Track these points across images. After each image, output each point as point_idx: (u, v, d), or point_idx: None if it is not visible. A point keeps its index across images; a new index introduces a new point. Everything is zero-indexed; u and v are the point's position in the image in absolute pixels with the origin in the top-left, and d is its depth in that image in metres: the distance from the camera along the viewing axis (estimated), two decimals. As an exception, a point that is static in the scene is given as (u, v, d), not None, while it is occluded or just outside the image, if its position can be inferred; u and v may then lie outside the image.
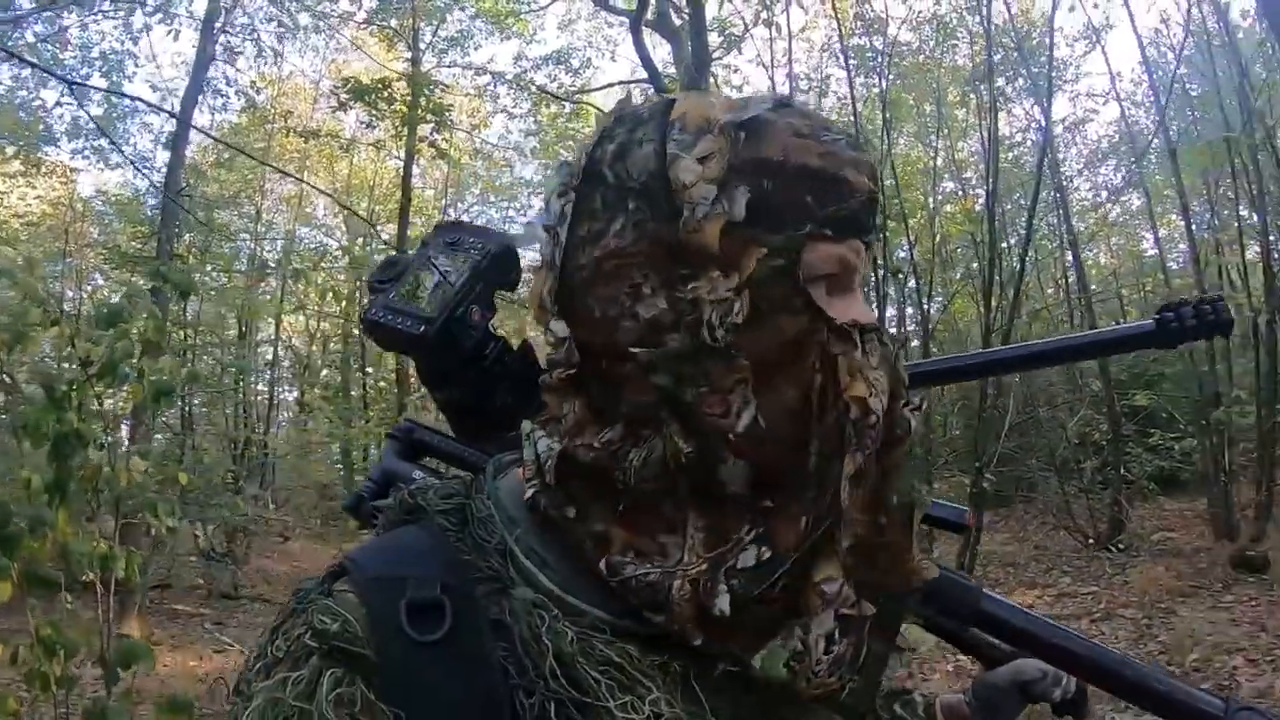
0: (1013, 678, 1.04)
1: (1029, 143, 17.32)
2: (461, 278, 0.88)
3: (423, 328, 0.76)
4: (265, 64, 13.80)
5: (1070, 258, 15.30)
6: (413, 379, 15.98)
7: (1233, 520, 10.09)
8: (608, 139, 0.66)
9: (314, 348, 18.79)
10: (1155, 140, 18.76)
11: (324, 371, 18.23)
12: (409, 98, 9.81)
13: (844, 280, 0.65)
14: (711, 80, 14.05)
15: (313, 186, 11.29)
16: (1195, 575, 8.69)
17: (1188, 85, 15.89)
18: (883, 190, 0.70)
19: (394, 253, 12.92)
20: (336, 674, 0.58)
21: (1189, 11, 14.07)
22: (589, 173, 0.66)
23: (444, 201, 19.10)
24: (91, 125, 11.54)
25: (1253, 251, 13.84)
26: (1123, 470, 11.78)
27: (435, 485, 0.74)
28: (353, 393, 17.02)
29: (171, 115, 9.84)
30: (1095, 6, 15.67)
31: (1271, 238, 13.19)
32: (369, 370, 16.86)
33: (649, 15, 12.50)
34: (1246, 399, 12.13)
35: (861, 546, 0.64)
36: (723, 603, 0.61)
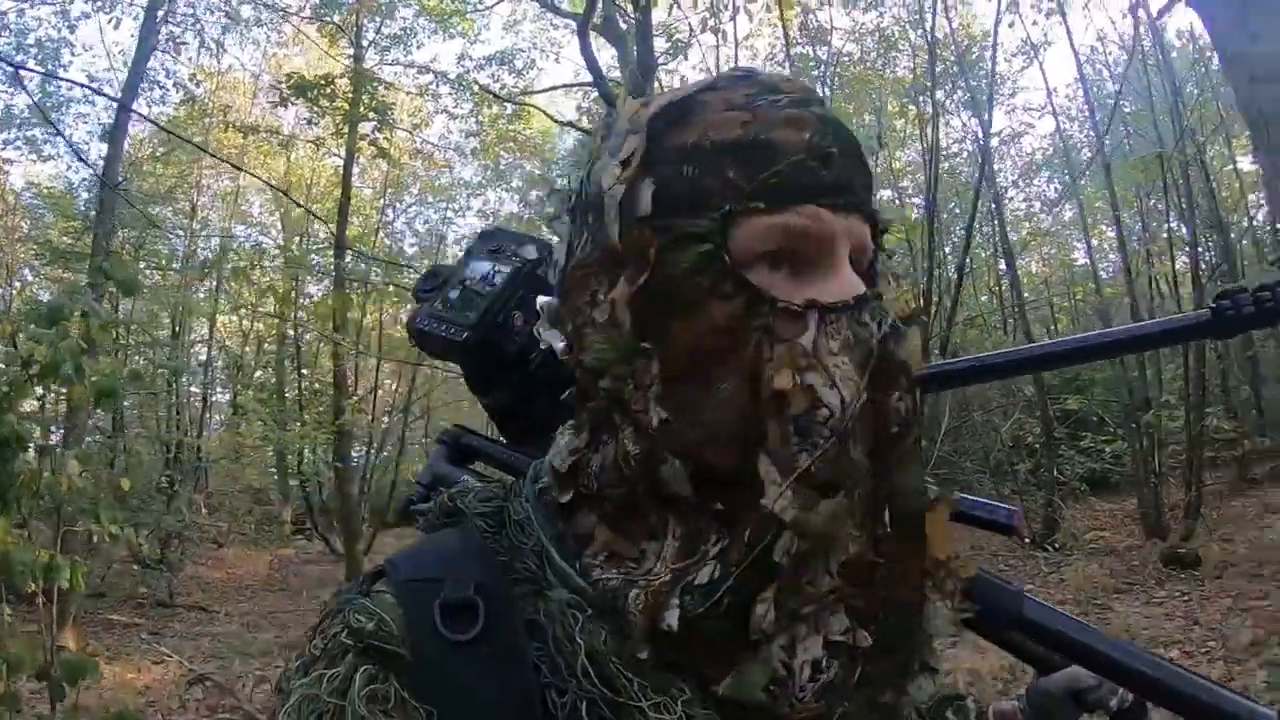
0: (1068, 685, 0.99)
1: (964, 154, 17.67)
2: (502, 284, 0.90)
3: (465, 334, 0.78)
4: (207, 56, 13.51)
5: (1004, 266, 15.61)
6: (350, 381, 15.80)
7: (1163, 519, 10.46)
8: (595, 157, 0.67)
9: (247, 348, 18.38)
10: (1090, 154, 19.32)
11: (257, 373, 17.85)
12: (351, 95, 9.65)
13: (806, 254, 0.61)
14: (657, 85, 14.13)
15: (262, 179, 11.00)
16: (1128, 572, 8.95)
17: (1122, 102, 16.35)
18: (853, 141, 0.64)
19: (339, 251, 12.81)
20: (370, 671, 0.59)
21: (1135, 33, 14.45)
22: (576, 194, 0.68)
23: (382, 201, 18.85)
24: (24, 114, 11.16)
25: (1181, 262, 14.32)
26: (1055, 472, 12.13)
27: (475, 488, 0.75)
28: (287, 395, 16.67)
29: (118, 102, 9.49)
30: (1034, 24, 16.00)
31: (1200, 249, 13.68)
32: (304, 372, 16.54)
33: (596, 19, 12.50)
34: (1175, 403, 12.56)
35: (853, 565, 0.59)
36: (671, 618, 0.59)
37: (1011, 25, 15.50)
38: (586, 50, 11.94)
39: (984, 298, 18.46)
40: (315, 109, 9.36)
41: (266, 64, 15.64)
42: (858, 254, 0.64)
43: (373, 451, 16.87)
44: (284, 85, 9.06)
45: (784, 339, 0.59)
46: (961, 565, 0.64)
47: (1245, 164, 16.76)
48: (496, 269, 0.91)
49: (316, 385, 16.11)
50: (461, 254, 0.89)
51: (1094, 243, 17.75)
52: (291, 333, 15.96)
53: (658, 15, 13.55)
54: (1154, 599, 7.81)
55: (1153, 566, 8.95)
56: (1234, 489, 12.11)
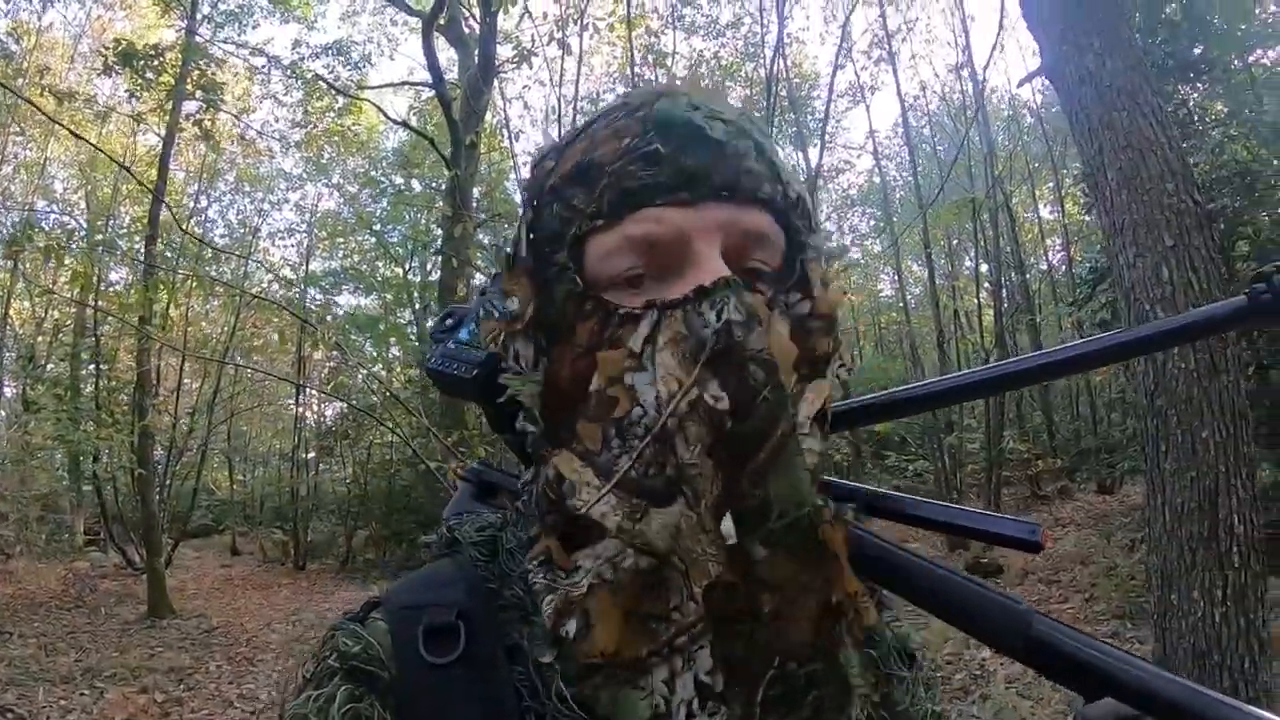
0: (1114, 711, 0.93)
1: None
2: None
3: (475, 371, 0.76)
4: (29, 9, 12.25)
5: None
6: (154, 382, 14.59)
7: (964, 533, 11.23)
8: None
9: (41, 338, 16.65)
10: (902, 193, 20.63)
11: (50, 365, 16.20)
12: (179, 69, 8.92)
13: (664, 258, 0.61)
14: (496, 91, 14.03)
15: (106, 153, 9.93)
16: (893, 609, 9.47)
17: (938, 147, 17.62)
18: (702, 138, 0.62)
19: (152, 236, 11.77)
20: (351, 690, 0.61)
21: (975, 89, 15.58)
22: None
23: (194, 187, 17.66)
24: None
25: (982, 296, 15.57)
26: (861, 489, 12.85)
27: (474, 519, 0.76)
28: (84, 390, 15.19)
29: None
30: (864, 69, 16.98)
31: (1000, 287, 14.95)
32: (103, 367, 15.17)
33: (441, 19, 12.25)
34: (976, 427, 13.63)
35: (718, 591, 0.56)
36: (569, 626, 0.60)
37: (843, 68, 16.42)
38: (429, 49, 11.70)
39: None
40: (140, 81, 8.58)
41: (89, 26, 14.36)
42: (745, 241, 0.62)
43: (173, 456, 15.61)
44: (110, 52, 8.25)
45: (619, 344, 0.59)
46: (864, 606, 0.60)
47: (1045, 212, 18.46)
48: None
49: (114, 382, 14.80)
50: (477, 295, 0.86)
51: (900, 275, 18.97)
52: (91, 324, 14.54)
53: (506, 22, 13.47)
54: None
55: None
56: (1028, 504, 13.25)
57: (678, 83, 0.70)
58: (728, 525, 0.54)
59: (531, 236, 0.66)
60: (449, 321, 0.85)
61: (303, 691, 0.63)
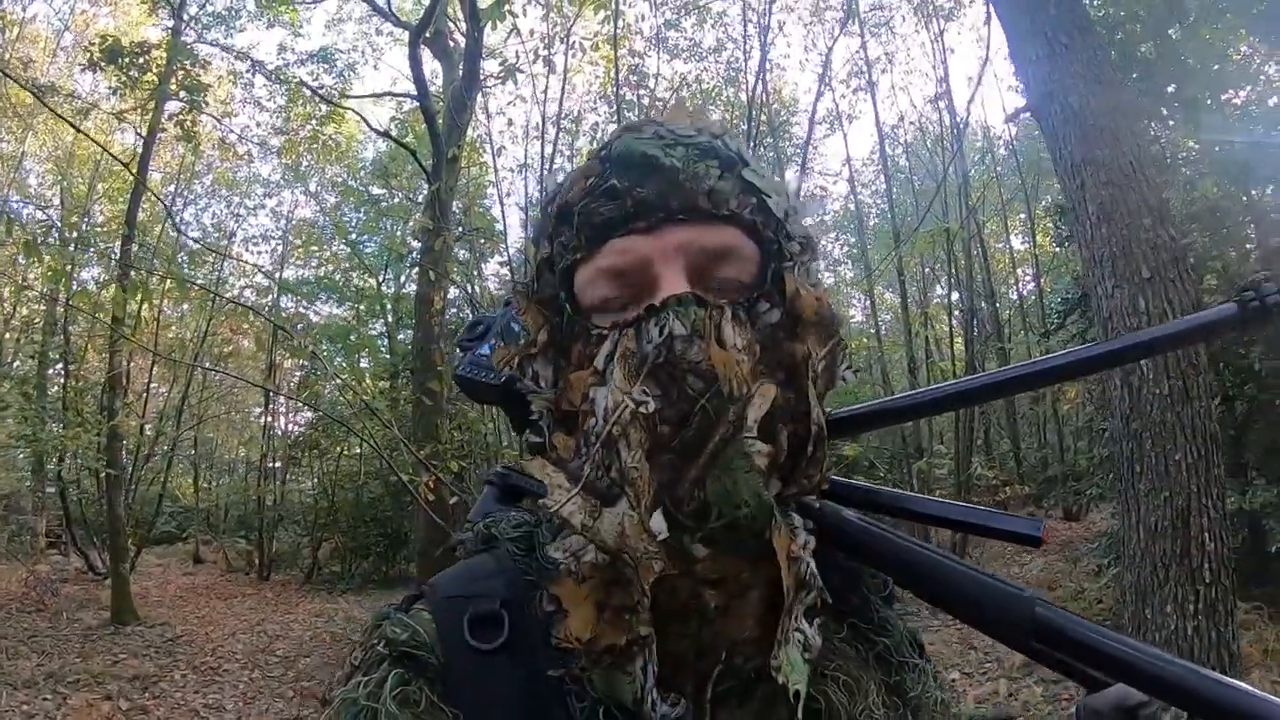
0: (1118, 701, 0.90)
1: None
2: None
3: (502, 378, 0.80)
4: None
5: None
6: (124, 382, 14.34)
7: (934, 556, 11.32)
8: None
9: (9, 335, 16.33)
10: (876, 220, 20.88)
11: (17, 363, 15.90)
12: (164, 68, 8.83)
13: (636, 283, 0.66)
14: (479, 104, 14.09)
15: (99, 144, 9.82)
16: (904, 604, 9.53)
17: (913, 177, 17.89)
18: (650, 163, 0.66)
19: (129, 235, 11.51)
20: (401, 674, 0.63)
21: (953, 118, 15.87)
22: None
23: (172, 188, 17.46)
24: None
25: (954, 324, 15.80)
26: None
27: (509, 517, 0.79)
28: (50, 390, 14.90)
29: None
30: (842, 97, 17.21)
31: (972, 315, 15.15)
32: (71, 366, 14.90)
33: (428, 32, 12.26)
34: (945, 452, 13.76)
35: (664, 587, 0.60)
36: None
37: (821, 96, 16.65)
38: (415, 61, 11.68)
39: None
40: (125, 79, 8.50)
41: (73, 20, 14.21)
42: (707, 259, 0.66)
43: (139, 460, 15.34)
44: (95, 48, 8.15)
45: (589, 363, 0.65)
46: (811, 599, 0.63)
47: (1017, 243, 18.78)
48: None
49: (82, 383, 14.55)
50: (502, 305, 0.93)
51: (873, 302, 19.19)
52: (60, 321, 14.28)
53: (491, 37, 13.53)
54: (929, 626, 8.33)
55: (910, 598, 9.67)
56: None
57: (659, 104, 0.75)
58: (657, 522, 0.58)
59: (549, 270, 0.71)
60: (478, 329, 0.89)
61: (351, 678, 0.65)
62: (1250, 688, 0.55)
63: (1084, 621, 0.62)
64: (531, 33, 13.83)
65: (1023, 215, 17.53)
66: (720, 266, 0.66)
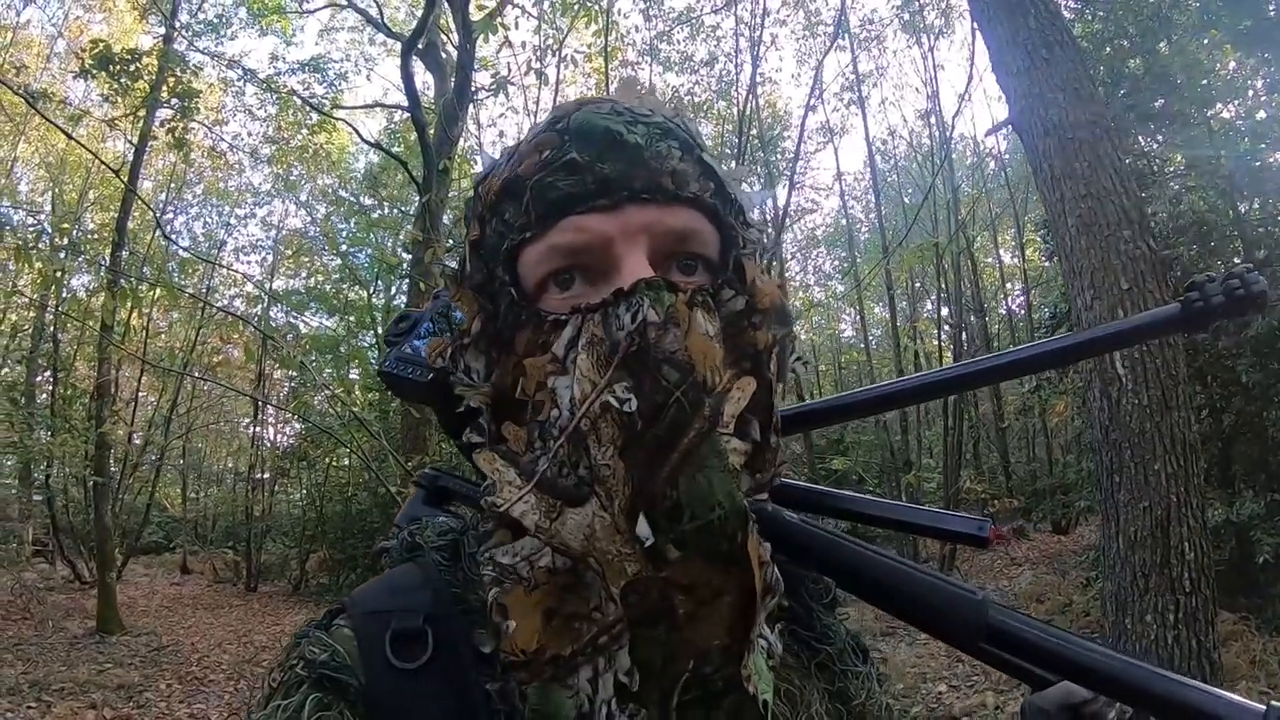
0: (1063, 699, 0.87)
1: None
2: None
3: (430, 375, 0.75)
4: (6, 3, 12.04)
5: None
6: (113, 390, 14.29)
7: (923, 570, 11.39)
8: None
9: (-1, 342, 16.24)
10: (869, 235, 20.96)
11: (5, 369, 15.82)
12: (155, 75, 8.83)
13: (593, 264, 0.62)
14: (470, 116, 14.12)
15: (91, 151, 9.77)
16: (888, 616, 9.49)
17: (904, 191, 18.00)
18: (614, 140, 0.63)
19: (119, 243, 11.49)
20: (320, 699, 0.60)
21: (942, 133, 15.97)
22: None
23: (163, 196, 17.45)
24: None
25: (943, 338, 15.88)
26: (818, 526, 13.02)
27: (434, 524, 0.76)
28: (39, 397, 14.83)
29: None
30: (834, 111, 17.31)
31: (960, 330, 15.24)
32: (61, 373, 14.85)
33: (421, 43, 12.32)
34: (934, 466, 13.80)
35: (639, 591, 0.56)
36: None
37: (814, 109, 16.75)
38: (407, 73, 11.73)
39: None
40: (116, 85, 8.49)
41: (66, 27, 14.21)
42: (672, 241, 0.63)
43: (127, 469, 15.27)
44: (87, 54, 8.15)
45: (546, 350, 0.60)
46: (774, 602, 0.61)
47: (1006, 257, 18.89)
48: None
49: (70, 390, 14.50)
50: (431, 300, 0.90)
51: (862, 317, 19.26)
52: (50, 328, 14.24)
53: (483, 49, 13.59)
54: (917, 639, 8.30)
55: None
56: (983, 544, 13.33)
57: (610, 91, 0.73)
58: (643, 528, 0.54)
59: (479, 253, 0.67)
60: (403, 324, 0.86)
61: (270, 701, 0.62)
62: (1197, 682, 0.56)
63: (1033, 621, 0.62)
64: (524, 45, 13.90)
65: (1012, 230, 17.64)
66: (683, 249, 0.64)
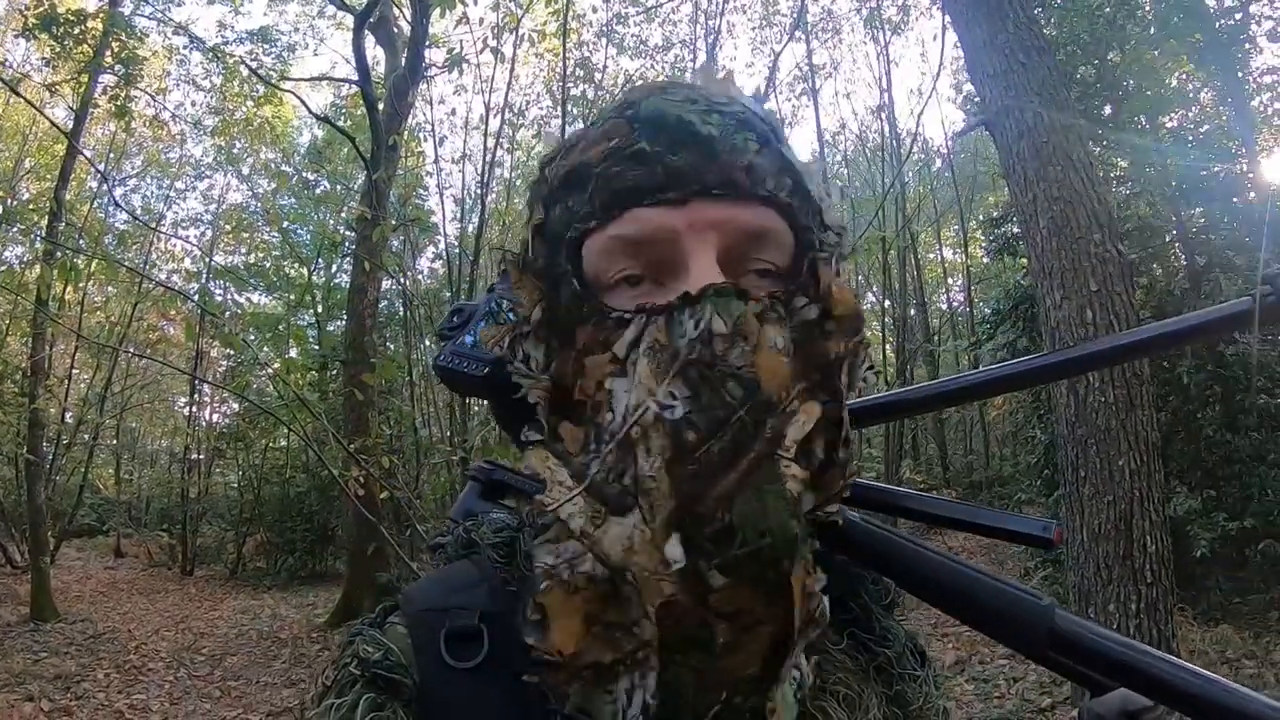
0: (1121, 706, 0.83)
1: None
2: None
3: (486, 369, 0.75)
4: None
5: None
6: (46, 366, 13.76)
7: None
8: None
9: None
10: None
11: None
12: (99, 39, 8.46)
13: (658, 258, 0.60)
14: (422, 92, 13.90)
15: (48, 118, 9.27)
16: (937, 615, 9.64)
17: (850, 186, 18.23)
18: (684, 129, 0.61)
19: (56, 214, 10.98)
20: (374, 699, 0.60)
21: (893, 129, 16.16)
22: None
23: (101, 166, 16.81)
24: None
25: (885, 331, 16.19)
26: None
27: (491, 520, 0.75)
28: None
29: None
30: (787, 100, 17.43)
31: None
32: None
33: (374, 17, 12.06)
34: (876, 457, 14.10)
35: (672, 614, 0.53)
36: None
37: (765, 103, 16.85)
38: (359, 47, 11.49)
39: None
40: (59, 49, 8.13)
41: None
42: (745, 240, 0.61)
43: (59, 449, 14.75)
44: (30, 13, 7.78)
45: (607, 348, 0.58)
46: (817, 634, 0.59)
47: (948, 254, 19.30)
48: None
49: (3, 367, 13.94)
50: (485, 292, 0.86)
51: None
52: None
53: (438, 26, 13.37)
54: (947, 633, 8.42)
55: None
56: (923, 532, 13.64)
57: (689, 76, 0.70)
58: (675, 549, 0.52)
59: (542, 238, 0.65)
60: (456, 319, 0.84)
61: (323, 699, 0.61)
62: (1259, 695, 0.55)
63: (1098, 628, 0.62)
64: (480, 21, 13.65)
65: (955, 227, 18.02)
66: (756, 250, 0.61)
